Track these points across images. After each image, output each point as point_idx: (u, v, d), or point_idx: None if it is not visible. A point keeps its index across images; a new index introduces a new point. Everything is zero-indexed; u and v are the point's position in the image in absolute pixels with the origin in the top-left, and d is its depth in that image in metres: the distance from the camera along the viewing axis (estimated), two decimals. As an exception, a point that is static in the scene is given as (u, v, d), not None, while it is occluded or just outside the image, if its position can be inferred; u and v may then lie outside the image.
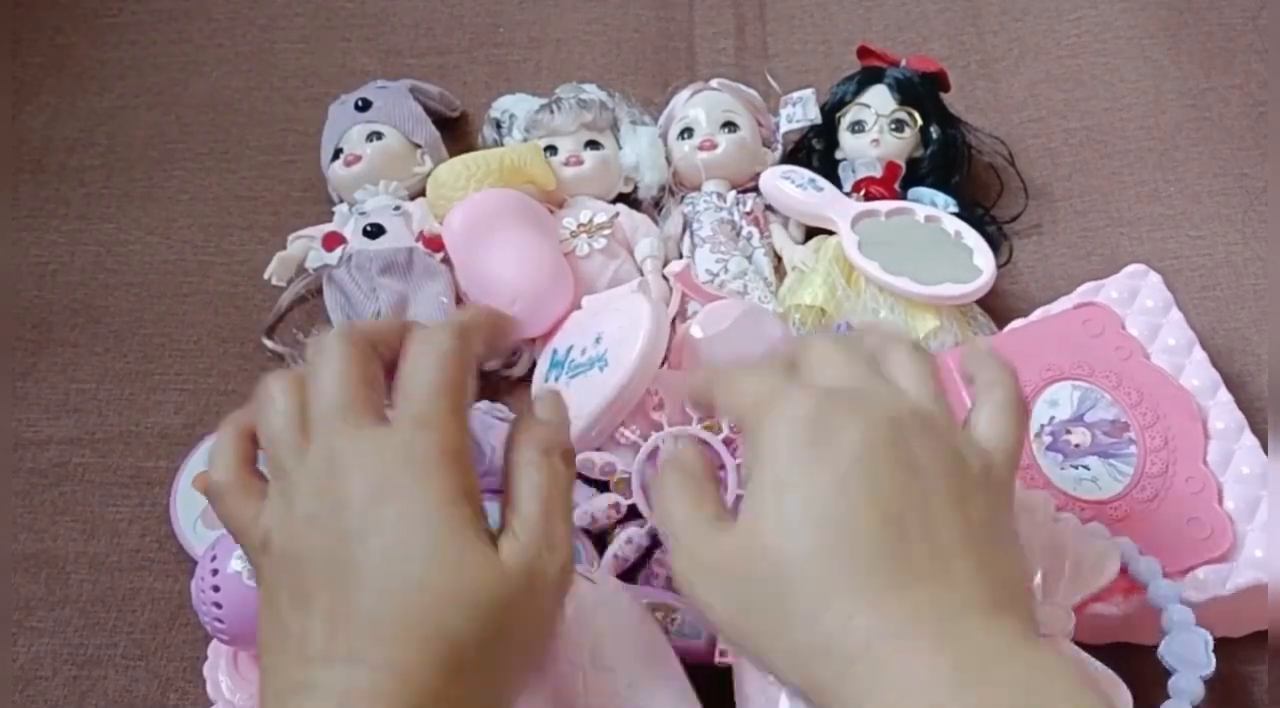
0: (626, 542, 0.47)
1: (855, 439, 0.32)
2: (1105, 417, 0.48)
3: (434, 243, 0.58)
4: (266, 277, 0.58)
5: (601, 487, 0.49)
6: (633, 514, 0.48)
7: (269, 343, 0.58)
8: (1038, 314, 0.53)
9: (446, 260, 0.57)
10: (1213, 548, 0.44)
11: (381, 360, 0.38)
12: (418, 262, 0.57)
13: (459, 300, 0.57)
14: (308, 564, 0.35)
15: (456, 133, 0.67)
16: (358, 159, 0.60)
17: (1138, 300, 0.52)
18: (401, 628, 0.33)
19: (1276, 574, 0.42)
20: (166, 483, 0.54)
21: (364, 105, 0.62)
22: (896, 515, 0.31)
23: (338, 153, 0.61)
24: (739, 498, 0.47)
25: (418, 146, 0.62)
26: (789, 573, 0.32)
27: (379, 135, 0.61)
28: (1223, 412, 0.48)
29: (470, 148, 0.65)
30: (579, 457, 0.48)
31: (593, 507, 0.48)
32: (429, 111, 0.64)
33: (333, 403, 0.36)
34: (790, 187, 0.57)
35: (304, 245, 0.59)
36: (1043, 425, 0.48)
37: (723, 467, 0.48)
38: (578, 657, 0.41)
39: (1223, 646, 0.41)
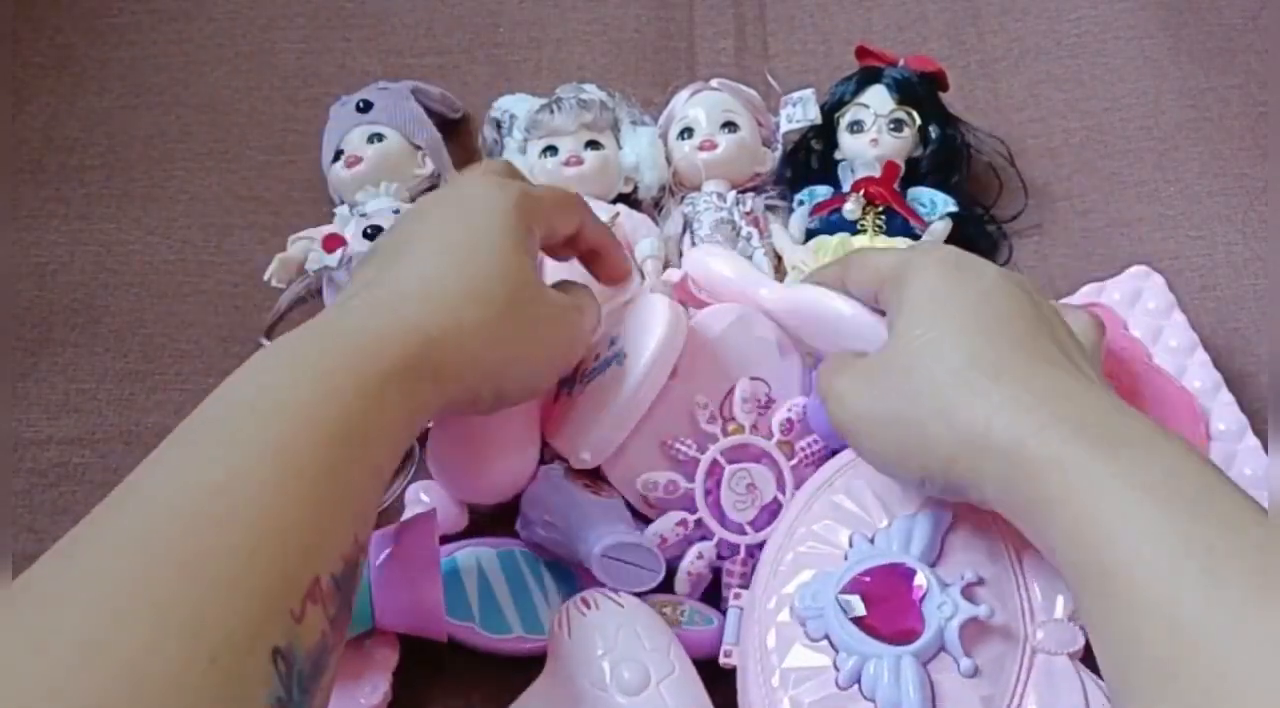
0: (698, 557, 0.46)
1: (992, 273, 0.39)
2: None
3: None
4: (267, 278, 0.58)
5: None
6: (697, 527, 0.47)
7: (268, 344, 0.58)
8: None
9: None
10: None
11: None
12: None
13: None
14: (382, 245, 0.42)
15: (458, 134, 0.67)
16: (359, 161, 0.60)
17: (1140, 302, 0.52)
18: (451, 264, 0.40)
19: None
20: (167, 484, 0.54)
21: (365, 107, 0.62)
22: (1027, 326, 0.37)
23: (338, 154, 0.61)
24: (792, 487, 0.47)
25: (419, 148, 0.62)
26: (937, 373, 0.36)
27: (380, 137, 0.61)
28: (1225, 413, 0.48)
29: (470, 148, 0.66)
30: (640, 479, 0.47)
31: (660, 527, 0.46)
32: (430, 113, 0.64)
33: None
34: (717, 264, 0.53)
35: (304, 247, 0.59)
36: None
37: (778, 469, 0.47)
38: (599, 679, 0.41)
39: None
